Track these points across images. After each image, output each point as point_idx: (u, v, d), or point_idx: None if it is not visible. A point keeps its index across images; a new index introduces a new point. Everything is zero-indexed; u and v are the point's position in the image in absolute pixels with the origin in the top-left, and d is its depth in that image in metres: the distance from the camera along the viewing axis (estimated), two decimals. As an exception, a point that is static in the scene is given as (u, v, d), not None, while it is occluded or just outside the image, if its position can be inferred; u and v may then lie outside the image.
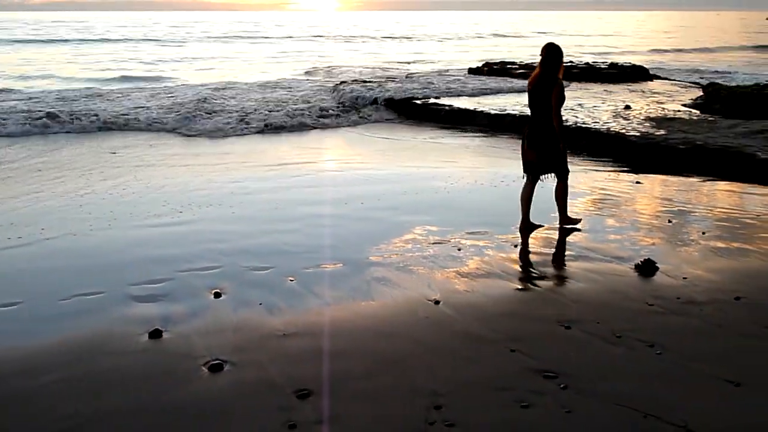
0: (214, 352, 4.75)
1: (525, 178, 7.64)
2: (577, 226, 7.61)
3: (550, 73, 7.22)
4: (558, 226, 7.62)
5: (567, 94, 7.59)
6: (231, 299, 5.71)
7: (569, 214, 7.67)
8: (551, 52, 7.22)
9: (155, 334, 5.02)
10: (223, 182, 9.96)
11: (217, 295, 5.77)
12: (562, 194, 7.57)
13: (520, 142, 7.67)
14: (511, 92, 19.46)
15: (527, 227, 7.55)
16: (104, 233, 7.48)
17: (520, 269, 6.45)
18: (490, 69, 24.98)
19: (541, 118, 7.31)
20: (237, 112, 16.31)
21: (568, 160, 7.58)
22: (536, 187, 7.58)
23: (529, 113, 7.54)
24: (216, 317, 5.36)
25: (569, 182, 7.59)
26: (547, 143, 7.33)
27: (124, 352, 4.82)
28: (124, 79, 26.45)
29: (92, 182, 9.85)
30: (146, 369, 4.59)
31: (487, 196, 9.21)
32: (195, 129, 14.92)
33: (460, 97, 18.53)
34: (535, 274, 6.32)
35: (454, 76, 23.97)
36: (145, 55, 39.21)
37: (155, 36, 59.65)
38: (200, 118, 15.60)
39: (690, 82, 22.96)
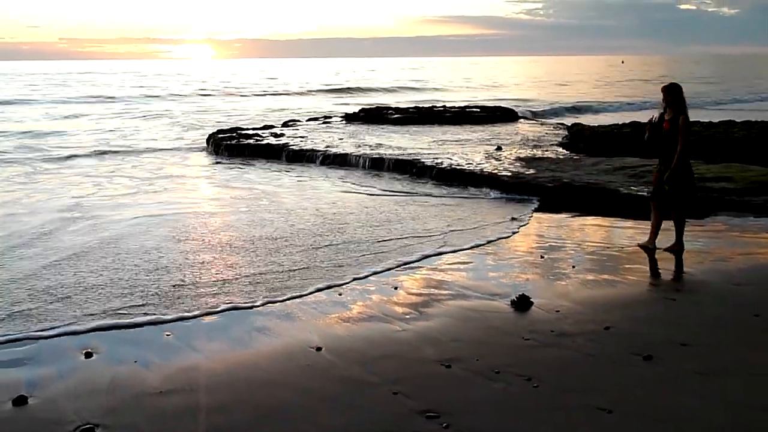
0: (84, 416, 4.50)
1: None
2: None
3: (680, 111, 8.00)
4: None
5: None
6: (104, 358, 5.46)
7: None
8: (675, 90, 8.02)
9: (20, 401, 4.71)
10: (94, 235, 9.55)
11: (89, 354, 5.50)
12: (675, 218, 8.33)
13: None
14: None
15: (649, 247, 8.43)
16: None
17: (401, 311, 6.50)
18: (367, 114, 25.37)
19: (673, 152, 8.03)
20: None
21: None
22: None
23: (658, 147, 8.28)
24: (87, 378, 5.10)
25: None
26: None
27: (-15, 422, 4.50)
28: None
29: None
30: (10, 439, 4.30)
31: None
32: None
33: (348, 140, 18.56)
34: (414, 315, 6.38)
35: (334, 124, 24.25)
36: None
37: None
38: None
39: (556, 123, 24.14)
